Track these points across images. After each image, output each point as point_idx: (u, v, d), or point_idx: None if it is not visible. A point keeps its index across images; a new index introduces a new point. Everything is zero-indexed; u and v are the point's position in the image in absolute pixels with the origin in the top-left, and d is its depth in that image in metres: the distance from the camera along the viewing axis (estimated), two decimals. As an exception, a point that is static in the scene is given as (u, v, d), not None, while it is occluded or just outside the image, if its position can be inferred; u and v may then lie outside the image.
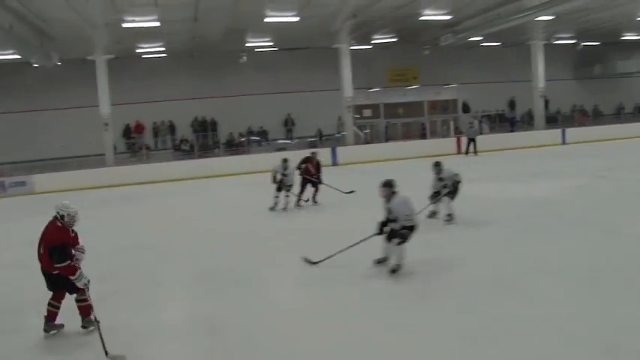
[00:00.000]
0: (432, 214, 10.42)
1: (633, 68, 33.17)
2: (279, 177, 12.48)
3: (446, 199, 10.13)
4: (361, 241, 7.50)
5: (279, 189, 12.59)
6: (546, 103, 29.40)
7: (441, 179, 10.18)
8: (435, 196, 10.28)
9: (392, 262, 7.34)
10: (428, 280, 7.00)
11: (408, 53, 28.33)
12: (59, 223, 5.66)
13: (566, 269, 7.08)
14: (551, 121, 29.57)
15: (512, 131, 28.66)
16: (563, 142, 26.28)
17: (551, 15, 20.90)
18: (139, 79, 25.53)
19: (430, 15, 20.34)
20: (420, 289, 6.72)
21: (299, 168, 13.20)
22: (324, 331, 5.55)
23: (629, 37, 30.29)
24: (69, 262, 5.52)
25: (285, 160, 12.62)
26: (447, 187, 10.09)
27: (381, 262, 7.57)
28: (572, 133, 26.73)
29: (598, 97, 33.49)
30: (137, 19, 17.44)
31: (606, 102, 33.64)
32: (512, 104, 31.45)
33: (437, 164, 10.35)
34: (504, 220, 10.20)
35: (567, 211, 10.78)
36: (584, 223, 9.72)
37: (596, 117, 32.05)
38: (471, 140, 23.87)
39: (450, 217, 10.16)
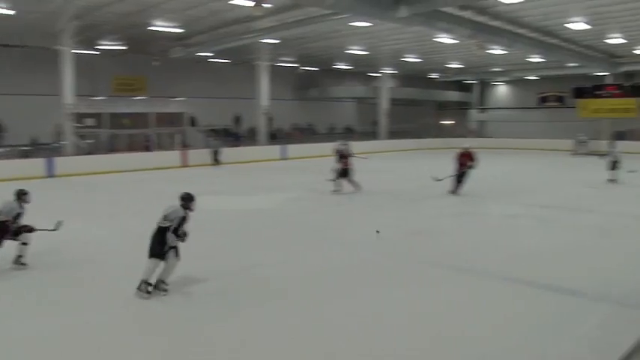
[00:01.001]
0: (147, 287, 6.78)
1: (343, 94, 37.39)
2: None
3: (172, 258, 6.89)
4: None
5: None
6: (269, 120, 31.17)
7: (166, 219, 6.90)
8: (158, 252, 6.82)
9: None
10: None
11: (136, 62, 27.63)
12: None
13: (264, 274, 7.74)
14: (273, 137, 31.42)
15: (237, 146, 29.71)
16: (284, 158, 28.14)
17: (276, 39, 22.39)
18: None
19: (160, 26, 20.12)
20: None
21: None
22: None
23: (339, 66, 33.85)
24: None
25: (23, 194, 8.11)
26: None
27: None
28: (291, 149, 28.78)
29: (314, 117, 36.83)
30: None
31: (322, 122, 37.11)
32: (237, 120, 32.69)
33: (186, 197, 6.97)
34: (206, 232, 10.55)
35: (279, 221, 11.93)
36: (292, 232, 10.86)
37: (312, 135, 34.97)
38: (215, 152, 24.97)
39: (162, 288, 6.89)
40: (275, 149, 28.51)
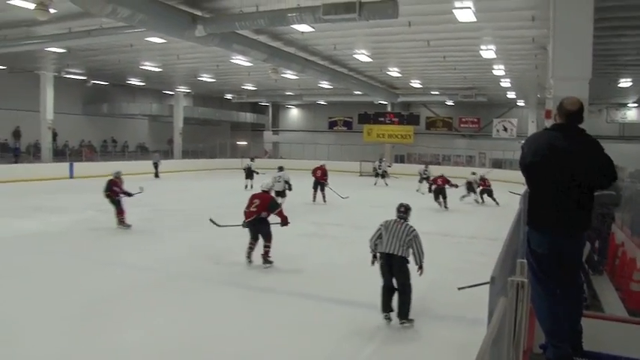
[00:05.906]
0: None
1: (136, 111, 35.98)
2: None
3: None
4: None
5: None
6: (54, 135, 29.00)
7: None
8: None
9: None
10: None
11: None
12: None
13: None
14: (60, 154, 29.27)
15: (16, 162, 27.09)
16: (71, 176, 26.31)
17: (62, 48, 20.86)
18: None
19: None
20: None
21: None
22: None
23: (133, 82, 32.63)
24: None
25: None
26: None
27: None
28: (80, 167, 27.00)
29: (106, 133, 35.06)
30: None
31: (114, 139, 35.43)
32: (17, 134, 29.82)
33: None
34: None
35: (61, 245, 11.02)
36: (77, 256, 10.14)
37: (104, 153, 33.19)
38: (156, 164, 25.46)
39: None
40: (62, 167, 26.53)
